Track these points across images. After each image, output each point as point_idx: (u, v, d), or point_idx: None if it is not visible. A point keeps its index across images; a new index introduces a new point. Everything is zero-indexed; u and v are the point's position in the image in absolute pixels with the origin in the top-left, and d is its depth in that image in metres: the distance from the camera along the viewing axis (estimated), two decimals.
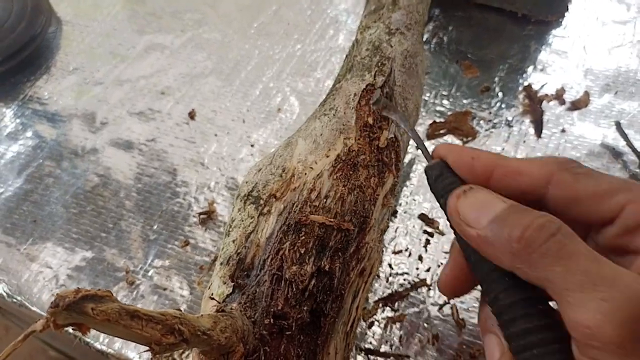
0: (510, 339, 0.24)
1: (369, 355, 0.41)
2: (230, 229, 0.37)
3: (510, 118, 0.55)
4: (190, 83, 0.62)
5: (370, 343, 0.42)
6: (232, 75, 0.62)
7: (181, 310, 0.28)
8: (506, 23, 0.64)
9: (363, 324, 0.42)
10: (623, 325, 0.20)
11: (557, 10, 0.63)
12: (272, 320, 0.31)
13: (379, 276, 0.45)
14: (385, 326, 0.42)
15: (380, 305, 0.43)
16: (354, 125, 0.40)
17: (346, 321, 0.35)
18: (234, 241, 0.36)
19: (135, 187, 0.53)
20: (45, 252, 0.49)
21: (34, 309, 0.46)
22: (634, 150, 0.50)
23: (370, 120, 0.41)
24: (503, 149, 0.53)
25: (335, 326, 0.34)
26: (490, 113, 0.56)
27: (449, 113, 0.56)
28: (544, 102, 0.56)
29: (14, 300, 0.47)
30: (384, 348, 0.41)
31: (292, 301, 0.32)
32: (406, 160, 0.51)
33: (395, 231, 0.48)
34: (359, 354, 0.41)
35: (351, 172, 0.38)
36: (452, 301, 0.43)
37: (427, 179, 0.29)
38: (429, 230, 0.47)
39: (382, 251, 0.45)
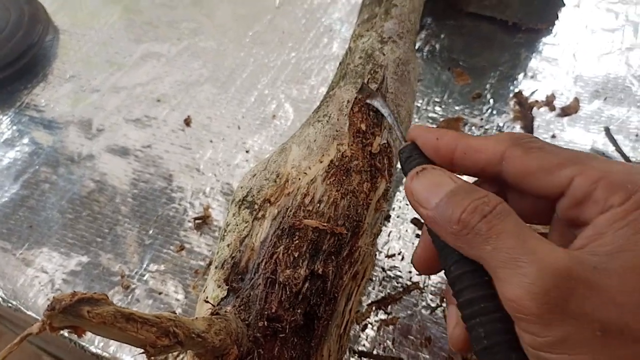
0: (461, 308, 0.25)
1: (362, 358, 0.42)
2: (225, 233, 0.38)
3: (501, 124, 0.56)
4: (186, 90, 0.63)
5: (364, 345, 0.42)
6: (227, 82, 0.63)
7: (176, 314, 0.29)
8: (497, 31, 0.65)
9: (356, 326, 0.43)
10: (538, 298, 0.21)
11: (547, 19, 0.65)
12: (266, 323, 0.32)
13: (372, 280, 0.46)
14: (379, 329, 0.43)
15: (374, 308, 0.44)
16: (347, 131, 0.41)
17: (339, 324, 0.36)
18: (228, 245, 0.37)
19: (131, 193, 0.54)
20: (41, 257, 0.50)
21: (29, 313, 0.46)
22: (623, 155, 0.51)
23: (363, 127, 0.42)
24: None
25: (329, 329, 0.34)
26: (481, 119, 0.56)
27: (441, 119, 0.57)
28: (535, 109, 0.57)
29: (10, 304, 0.47)
30: (377, 351, 0.42)
31: (286, 304, 0.32)
32: (398, 165, 0.52)
33: (389, 235, 0.48)
34: (352, 357, 0.42)
35: (344, 178, 0.38)
36: (444, 304, 0.44)
37: (399, 160, 0.30)
38: None
39: (375, 255, 0.46)
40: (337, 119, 0.42)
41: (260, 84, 0.63)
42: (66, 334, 0.44)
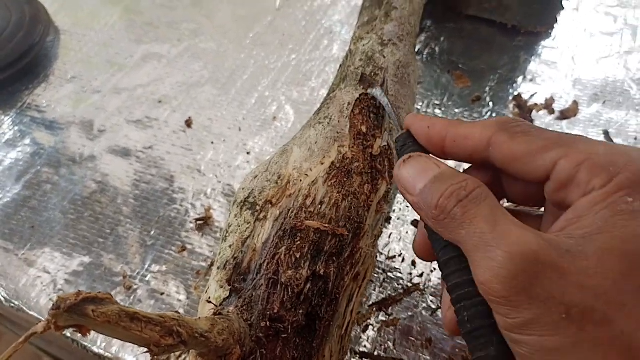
0: (449, 292, 0.26)
1: (364, 359, 0.42)
2: (227, 234, 0.38)
3: None
4: (187, 92, 0.63)
5: (365, 347, 0.42)
6: (228, 84, 0.64)
7: (180, 313, 0.29)
8: (496, 34, 0.66)
9: (357, 327, 0.43)
10: (506, 282, 0.21)
11: (546, 22, 0.65)
12: (268, 323, 0.32)
13: (372, 281, 0.46)
14: (380, 330, 0.43)
15: (375, 309, 0.44)
16: (348, 133, 0.41)
17: (341, 325, 0.36)
18: (230, 246, 0.37)
19: (132, 194, 0.54)
20: (43, 257, 0.50)
21: (31, 313, 0.46)
22: None
23: (364, 129, 0.42)
24: None
25: (330, 329, 0.35)
26: None
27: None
28: (534, 112, 0.57)
29: (12, 304, 0.47)
30: (378, 352, 0.42)
31: (288, 305, 0.33)
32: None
33: (389, 237, 0.49)
34: (353, 358, 0.42)
35: (345, 179, 0.38)
36: None
37: (395, 149, 0.31)
38: None
39: (376, 256, 0.46)
40: (338, 121, 0.42)
41: (261, 86, 0.63)
42: (68, 334, 0.44)
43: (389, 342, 0.43)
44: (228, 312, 0.32)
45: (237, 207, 0.39)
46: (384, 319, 0.44)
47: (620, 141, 0.53)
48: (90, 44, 0.70)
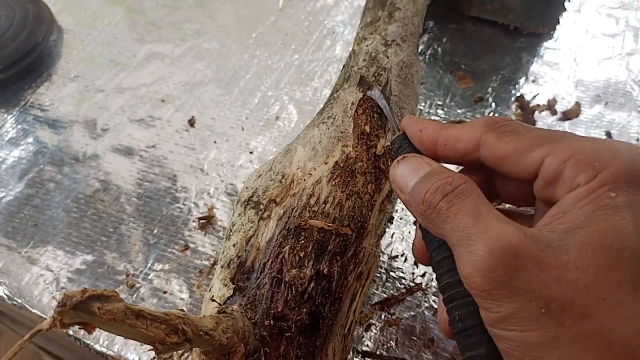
0: (441, 292, 0.26)
1: (366, 358, 0.42)
2: (231, 233, 0.38)
3: None
4: (190, 91, 0.63)
5: (367, 346, 0.43)
6: (231, 83, 0.64)
7: (184, 311, 0.29)
8: (499, 35, 0.66)
9: (360, 327, 0.43)
10: (487, 275, 0.22)
11: (549, 23, 0.65)
12: (272, 321, 0.32)
13: (375, 281, 0.46)
14: (382, 329, 0.43)
15: (377, 308, 0.44)
16: (351, 133, 0.41)
17: (344, 324, 0.36)
18: (234, 245, 0.37)
19: (135, 192, 0.54)
20: (46, 256, 0.50)
21: (34, 311, 0.47)
22: None
23: (368, 129, 0.42)
24: None
25: (334, 328, 0.35)
26: None
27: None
28: (536, 112, 0.57)
29: (15, 302, 0.47)
30: (380, 351, 0.42)
31: (292, 303, 0.33)
32: None
33: (392, 237, 0.49)
34: (356, 357, 0.42)
35: (349, 179, 0.39)
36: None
37: (392, 150, 0.31)
38: None
39: (379, 256, 0.46)
40: (342, 121, 0.43)
41: (264, 86, 0.63)
42: (71, 332, 0.44)
43: (391, 342, 0.43)
44: (232, 310, 0.32)
45: (241, 206, 0.39)
46: (386, 318, 0.44)
47: None
48: (93, 43, 0.70)
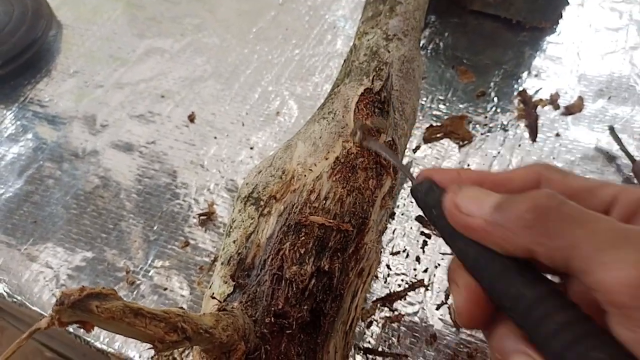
0: (546, 336, 0.21)
1: (368, 355, 0.42)
2: (231, 230, 0.38)
3: (505, 122, 0.56)
4: (190, 86, 0.63)
5: (369, 342, 0.42)
6: (231, 79, 0.63)
7: (184, 309, 0.29)
8: (501, 29, 0.65)
9: (362, 323, 0.43)
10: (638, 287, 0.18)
11: (551, 17, 0.65)
12: (272, 319, 0.32)
13: (377, 277, 0.46)
14: (384, 326, 0.43)
15: (379, 305, 0.44)
16: (352, 128, 0.41)
17: (345, 320, 0.36)
18: (234, 241, 0.37)
19: (135, 189, 0.54)
20: (45, 252, 0.50)
21: (34, 308, 0.46)
22: (627, 154, 0.51)
23: (369, 124, 0.42)
24: (499, 153, 0.53)
25: (335, 325, 0.34)
26: (485, 117, 0.56)
27: (446, 117, 0.57)
28: (539, 107, 0.57)
29: (15, 299, 0.47)
30: (382, 347, 0.42)
31: (293, 300, 0.33)
32: (403, 162, 0.52)
33: (393, 233, 0.48)
34: (357, 353, 0.42)
35: (350, 175, 0.38)
36: (449, 301, 0.44)
37: (416, 196, 0.29)
38: (426, 231, 0.48)
39: (381, 252, 0.46)
40: (343, 116, 0.42)
41: (264, 81, 0.63)
42: (71, 329, 0.44)
43: (393, 338, 0.42)
44: (232, 307, 0.32)
45: (241, 202, 0.39)
46: (388, 314, 0.44)
47: (626, 137, 0.53)
48: (93, 38, 0.70)
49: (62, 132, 0.59)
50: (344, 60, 0.51)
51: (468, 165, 0.52)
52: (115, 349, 0.43)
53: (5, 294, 0.47)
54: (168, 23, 0.71)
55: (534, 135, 0.55)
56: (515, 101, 0.58)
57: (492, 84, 0.60)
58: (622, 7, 0.65)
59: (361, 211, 0.37)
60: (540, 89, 0.58)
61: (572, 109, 0.56)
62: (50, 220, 0.52)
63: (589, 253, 0.20)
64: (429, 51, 0.64)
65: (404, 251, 0.47)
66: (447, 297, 0.44)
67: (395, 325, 0.43)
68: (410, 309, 0.44)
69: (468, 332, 0.42)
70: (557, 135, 0.54)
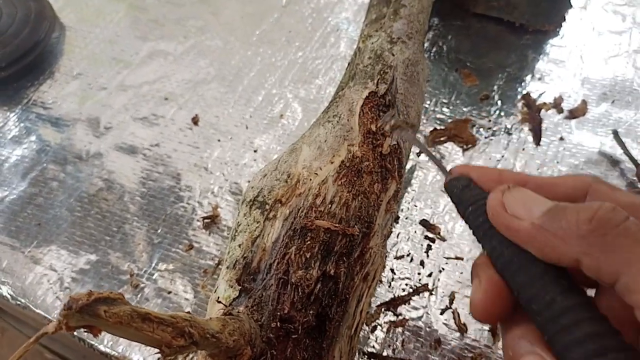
0: (571, 344, 0.21)
1: (372, 359, 0.42)
2: (236, 234, 0.38)
3: (509, 126, 0.56)
4: (194, 89, 0.63)
5: (373, 347, 0.42)
6: (234, 81, 0.63)
7: (191, 314, 0.29)
8: (504, 32, 0.65)
9: (366, 328, 0.43)
10: None
11: (555, 20, 0.65)
12: (278, 323, 0.32)
13: (381, 281, 0.46)
14: (388, 330, 0.43)
15: (383, 309, 0.44)
16: (357, 132, 0.41)
17: (350, 325, 0.36)
18: (240, 245, 0.37)
19: (139, 191, 0.54)
20: (49, 255, 0.50)
21: (38, 311, 0.46)
22: (631, 158, 0.51)
23: (373, 128, 0.42)
24: (503, 156, 0.53)
25: (340, 330, 0.34)
26: (489, 121, 0.56)
27: (449, 120, 0.57)
28: (543, 111, 0.57)
29: (18, 302, 0.47)
30: (386, 352, 0.42)
31: (298, 305, 0.32)
32: (407, 166, 0.52)
33: (397, 237, 0.48)
34: (361, 358, 0.42)
35: (355, 178, 0.38)
36: (453, 306, 0.44)
37: (451, 191, 0.28)
38: (430, 235, 0.48)
39: (385, 256, 0.46)
40: (348, 120, 0.42)
41: (268, 83, 0.63)
42: (75, 332, 0.44)
43: (397, 343, 0.42)
44: (238, 312, 0.32)
45: (246, 206, 0.39)
46: (392, 319, 0.43)
47: (630, 141, 0.53)
48: (96, 40, 0.70)
49: (66, 135, 0.59)
50: (348, 63, 0.51)
51: None
52: (119, 352, 0.43)
53: (9, 296, 0.47)
54: (171, 25, 0.71)
55: (537, 139, 0.54)
56: (519, 104, 0.58)
57: (495, 87, 0.60)
58: (625, 10, 0.65)
59: (367, 215, 0.37)
60: (544, 92, 0.58)
61: (576, 113, 0.56)
62: (54, 222, 0.52)
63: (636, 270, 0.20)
64: (432, 54, 0.64)
65: (408, 255, 0.47)
66: (451, 302, 0.44)
67: (399, 329, 0.43)
68: (414, 314, 0.44)
69: (472, 337, 0.42)
70: (561, 139, 0.54)
